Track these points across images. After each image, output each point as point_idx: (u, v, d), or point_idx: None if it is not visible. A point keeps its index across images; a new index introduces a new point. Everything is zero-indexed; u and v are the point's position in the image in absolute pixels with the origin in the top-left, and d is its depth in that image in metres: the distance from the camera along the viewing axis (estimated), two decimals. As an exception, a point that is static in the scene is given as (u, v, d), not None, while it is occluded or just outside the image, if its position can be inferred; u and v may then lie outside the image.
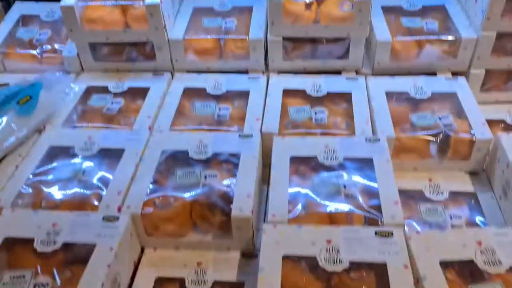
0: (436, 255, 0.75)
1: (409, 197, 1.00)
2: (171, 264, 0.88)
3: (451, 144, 1.02)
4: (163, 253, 0.90)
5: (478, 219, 0.94)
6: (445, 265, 0.75)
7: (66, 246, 0.80)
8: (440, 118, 1.05)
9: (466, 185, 1.02)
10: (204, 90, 1.15)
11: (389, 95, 1.10)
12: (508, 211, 0.92)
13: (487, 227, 0.80)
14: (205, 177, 0.91)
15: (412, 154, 1.04)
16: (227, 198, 0.87)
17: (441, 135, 1.02)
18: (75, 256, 0.81)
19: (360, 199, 0.87)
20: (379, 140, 0.97)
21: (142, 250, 0.91)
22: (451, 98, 1.10)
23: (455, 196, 1.00)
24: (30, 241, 0.80)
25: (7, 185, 0.92)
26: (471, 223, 0.93)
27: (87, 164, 0.95)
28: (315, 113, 1.08)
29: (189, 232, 0.91)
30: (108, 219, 0.83)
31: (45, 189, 0.91)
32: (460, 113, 1.07)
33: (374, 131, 1.03)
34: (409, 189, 1.01)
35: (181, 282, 0.85)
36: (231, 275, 0.85)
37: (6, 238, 0.81)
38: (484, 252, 0.75)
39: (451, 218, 0.95)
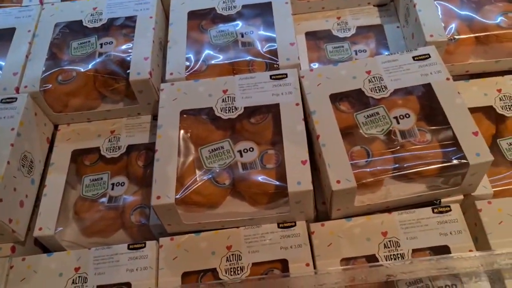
0: (327, 89, 0.78)
1: (318, 38, 1.00)
2: (86, 136, 0.90)
3: (355, -23, 0.98)
4: (76, 126, 0.91)
5: (383, 50, 0.96)
6: (336, 97, 0.78)
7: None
8: (345, -50, 0.99)
9: (373, 18, 1.01)
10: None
11: None
12: (409, 38, 0.93)
13: (376, 56, 0.81)
14: (101, 46, 0.89)
15: (319, -7, 1.01)
16: (125, 64, 0.86)
17: (344, -32, 0.98)
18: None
19: (258, 45, 0.87)
20: (278, -19, 0.93)
21: (57, 128, 0.92)
22: None
23: (362, 30, 1.00)
24: None
25: None
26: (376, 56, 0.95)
27: (-23, 48, 0.91)
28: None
29: (99, 103, 0.91)
30: (6, 100, 0.82)
31: None
32: None
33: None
34: (318, 29, 1.00)
35: (98, 150, 0.88)
36: (143, 138, 0.88)
37: None
38: (372, 80, 0.78)
39: (356, 53, 0.96)
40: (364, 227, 0.73)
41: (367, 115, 0.75)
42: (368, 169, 0.72)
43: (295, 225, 0.75)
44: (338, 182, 0.68)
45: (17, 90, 0.85)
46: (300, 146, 0.72)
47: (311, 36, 1.00)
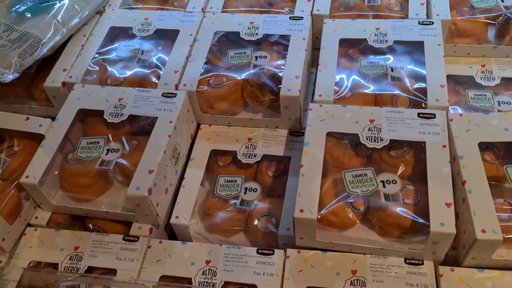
0: (476, 137, 0.78)
1: (459, 82, 1.00)
2: (225, 139, 0.96)
3: (511, 28, 0.98)
4: (217, 128, 0.98)
5: (528, 106, 0.94)
6: (484, 146, 0.78)
7: (132, 118, 0.89)
8: (502, 0, 0.99)
9: (521, 71, 0.99)
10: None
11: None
12: (561, 98, 0.90)
13: (533, 112, 0.80)
14: (256, 58, 0.95)
15: (467, 38, 1.01)
16: (276, 79, 0.91)
17: (501, 18, 0.97)
18: (140, 127, 0.90)
19: (407, 82, 0.89)
20: (432, 23, 0.95)
21: (199, 126, 0.99)
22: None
23: (507, 82, 0.98)
24: (100, 113, 0.90)
25: (75, 63, 1.00)
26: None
27: (145, 44, 1.01)
28: (369, -6, 1.05)
29: (240, 111, 0.98)
30: (167, 95, 0.90)
31: (109, 67, 0.99)
32: (525, -6, 1.00)
33: (429, 14, 1.01)
34: (460, 74, 1.00)
35: (234, 154, 0.94)
36: (278, 150, 0.93)
37: (79, 110, 0.91)
38: (526, 135, 0.77)
39: (499, 104, 0.95)
40: (497, 282, 0.72)
41: (519, 170, 0.75)
42: (513, 224, 0.71)
43: (422, 263, 0.75)
44: (483, 231, 0.68)
45: (176, 87, 0.93)
46: (445, 188, 0.73)
47: (451, 79, 1.00)
